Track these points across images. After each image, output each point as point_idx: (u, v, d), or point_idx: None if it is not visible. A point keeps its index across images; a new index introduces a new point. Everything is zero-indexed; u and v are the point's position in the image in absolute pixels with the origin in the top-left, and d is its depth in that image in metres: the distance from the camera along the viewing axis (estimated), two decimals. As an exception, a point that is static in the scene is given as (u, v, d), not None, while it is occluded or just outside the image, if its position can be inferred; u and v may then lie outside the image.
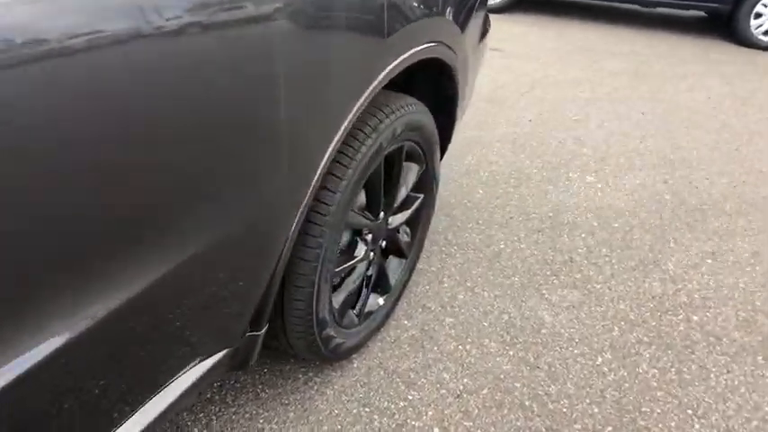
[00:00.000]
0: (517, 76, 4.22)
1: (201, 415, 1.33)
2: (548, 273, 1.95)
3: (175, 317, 0.83)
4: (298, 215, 0.96)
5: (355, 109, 0.99)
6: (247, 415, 1.34)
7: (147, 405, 0.87)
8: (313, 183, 0.95)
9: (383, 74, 1.04)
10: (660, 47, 5.54)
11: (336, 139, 0.97)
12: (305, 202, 0.96)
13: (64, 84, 0.56)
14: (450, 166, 2.70)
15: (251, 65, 0.75)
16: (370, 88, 1.01)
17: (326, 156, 0.96)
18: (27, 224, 0.57)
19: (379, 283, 1.55)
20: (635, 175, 2.74)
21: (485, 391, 1.46)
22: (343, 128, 0.97)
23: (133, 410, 0.82)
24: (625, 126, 3.37)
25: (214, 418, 1.32)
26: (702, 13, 7.46)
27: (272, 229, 0.91)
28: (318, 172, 0.95)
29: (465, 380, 1.49)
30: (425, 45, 1.21)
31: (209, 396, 1.38)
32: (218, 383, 1.42)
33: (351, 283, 1.43)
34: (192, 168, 0.73)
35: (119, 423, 0.80)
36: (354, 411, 1.37)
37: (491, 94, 3.77)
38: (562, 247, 2.10)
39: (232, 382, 1.42)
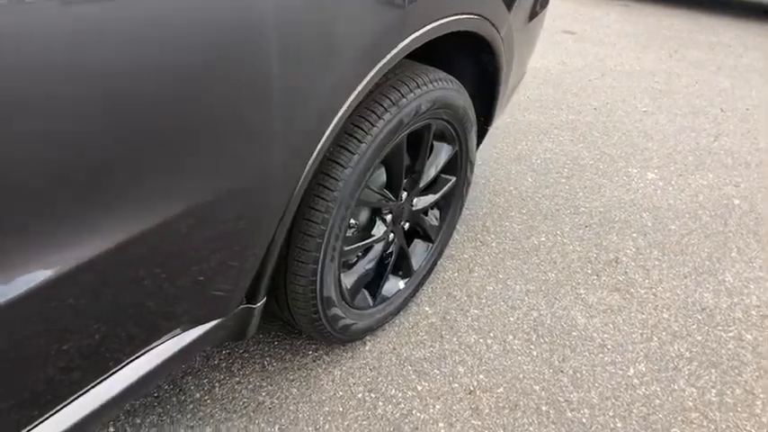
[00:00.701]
0: (588, 62, 3.98)
1: (206, 381, 1.33)
2: (588, 272, 1.83)
3: (159, 277, 0.80)
4: (297, 187, 0.91)
5: (366, 81, 0.92)
6: (251, 386, 1.32)
7: (131, 364, 0.86)
8: (315, 153, 0.90)
9: (401, 45, 0.96)
10: (753, 39, 5.09)
11: (343, 110, 0.90)
12: (305, 172, 0.91)
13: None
14: (501, 150, 2.59)
15: (239, 18, 0.70)
16: (385, 60, 0.93)
17: (330, 127, 0.90)
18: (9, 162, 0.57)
19: (401, 266, 1.49)
20: (702, 175, 2.52)
21: (500, 390, 1.38)
22: (350, 99, 0.91)
23: (106, 371, 0.81)
24: (700, 122, 3.11)
25: (217, 385, 1.32)
26: (809, 4, 6.80)
27: (264, 199, 0.86)
28: (321, 143, 0.90)
29: (480, 376, 1.42)
30: (458, 17, 1.11)
31: (215, 363, 1.37)
32: (226, 351, 1.41)
33: (366, 264, 1.38)
34: (176, 121, 0.69)
35: (86, 387, 0.79)
36: (359, 395, 1.33)
37: (557, 79, 3.58)
38: (609, 246, 1.96)
39: (241, 352, 1.41)
